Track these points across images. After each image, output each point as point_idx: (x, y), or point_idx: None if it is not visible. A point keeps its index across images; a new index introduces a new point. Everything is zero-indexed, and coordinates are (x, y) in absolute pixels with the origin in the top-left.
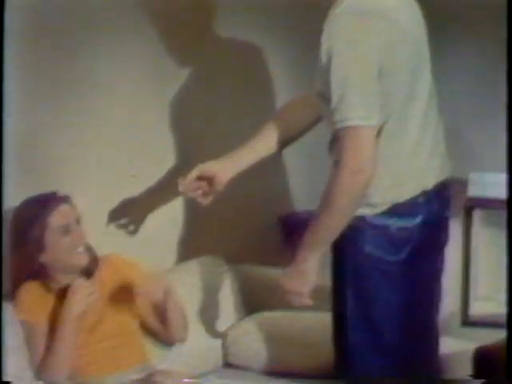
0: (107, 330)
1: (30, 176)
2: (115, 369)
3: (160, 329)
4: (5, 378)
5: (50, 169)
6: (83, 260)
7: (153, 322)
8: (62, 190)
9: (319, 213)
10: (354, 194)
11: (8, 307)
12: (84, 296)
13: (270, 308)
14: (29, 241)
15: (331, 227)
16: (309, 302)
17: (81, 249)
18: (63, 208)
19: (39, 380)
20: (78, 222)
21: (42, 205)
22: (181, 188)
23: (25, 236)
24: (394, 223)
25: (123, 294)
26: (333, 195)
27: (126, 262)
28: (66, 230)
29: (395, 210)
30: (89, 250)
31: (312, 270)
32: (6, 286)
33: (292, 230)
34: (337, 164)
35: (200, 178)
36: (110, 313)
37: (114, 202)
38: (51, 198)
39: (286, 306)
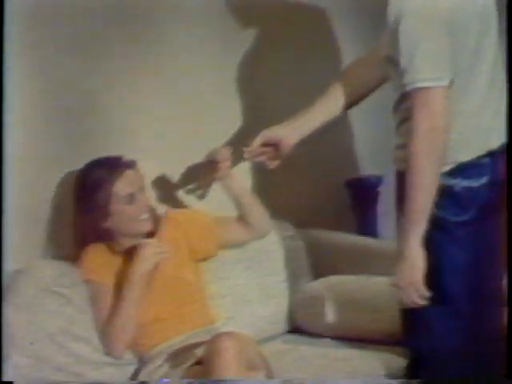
0: (173, 290)
1: (92, 142)
2: (180, 330)
3: (243, 232)
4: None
5: (112, 136)
6: (147, 226)
7: (234, 231)
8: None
9: (407, 188)
10: (432, 153)
11: (73, 269)
12: (151, 255)
13: (338, 272)
14: (94, 207)
15: (422, 197)
16: (425, 292)
17: (145, 216)
18: (129, 174)
19: (104, 339)
20: (142, 188)
21: (108, 170)
22: (246, 155)
23: (90, 202)
24: (459, 183)
25: (188, 251)
26: (413, 159)
27: (187, 215)
28: (130, 199)
29: (460, 170)
30: (152, 212)
31: (417, 256)
32: (70, 247)
33: (359, 195)
34: (406, 125)
35: (265, 144)
36: (175, 272)
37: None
38: (117, 162)
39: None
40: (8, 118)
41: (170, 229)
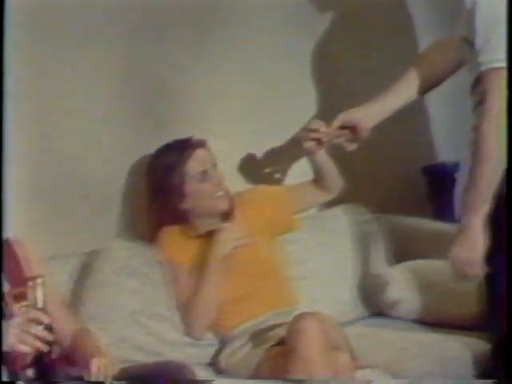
0: (251, 271)
1: (166, 127)
2: (261, 311)
3: (319, 195)
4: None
5: (183, 118)
6: (224, 204)
7: (310, 195)
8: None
9: (473, 167)
10: (501, 134)
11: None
12: (229, 240)
13: (415, 257)
14: (169, 190)
15: (488, 176)
16: (481, 270)
17: (220, 192)
18: (200, 153)
19: (185, 320)
20: (214, 166)
21: (178, 151)
22: (324, 136)
23: (164, 185)
24: None
25: (264, 229)
26: (482, 140)
27: (260, 192)
28: (204, 177)
29: None
30: (227, 193)
31: (479, 234)
32: (145, 230)
33: (435, 181)
34: (480, 108)
35: (343, 127)
36: (253, 253)
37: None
38: (187, 143)
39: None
40: (85, 106)
41: (245, 208)
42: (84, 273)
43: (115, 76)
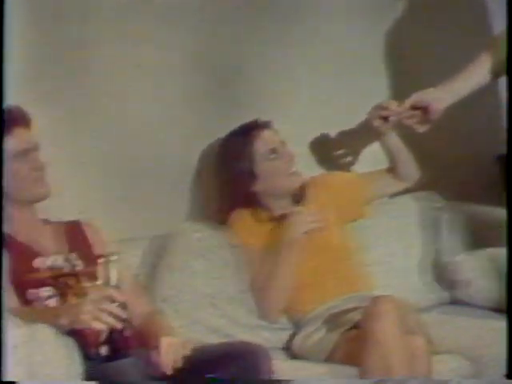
0: (325, 255)
1: (240, 109)
2: (335, 294)
3: (394, 184)
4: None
5: (252, 100)
6: (297, 181)
7: (385, 184)
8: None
9: None
10: None
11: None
12: (303, 223)
13: (490, 246)
14: (239, 172)
15: None
16: None
17: (293, 169)
18: (266, 133)
19: (259, 304)
20: (283, 145)
21: (245, 134)
22: (395, 115)
23: (234, 167)
24: None
25: (336, 214)
26: None
27: (335, 177)
28: (274, 155)
29: None
30: (299, 173)
31: None
32: (217, 213)
33: (510, 170)
34: None
35: (415, 107)
36: (326, 237)
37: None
38: (253, 125)
39: None
40: (164, 88)
41: (318, 193)
42: (156, 255)
43: (194, 60)
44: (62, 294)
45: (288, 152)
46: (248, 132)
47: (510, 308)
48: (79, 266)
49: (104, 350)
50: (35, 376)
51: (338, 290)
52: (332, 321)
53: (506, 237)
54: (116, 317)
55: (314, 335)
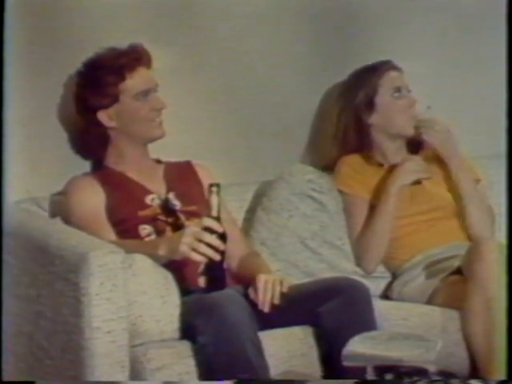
0: (428, 205)
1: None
2: (435, 243)
3: None
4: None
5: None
6: (410, 128)
7: None
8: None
9: None
10: None
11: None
12: (412, 171)
13: None
14: (360, 99)
15: None
16: None
17: (413, 114)
18: (393, 74)
19: (358, 252)
20: (408, 90)
21: (374, 68)
22: None
23: (357, 94)
24: None
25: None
26: None
27: None
28: (397, 94)
29: None
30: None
31: None
32: (327, 158)
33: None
34: None
35: None
36: (433, 188)
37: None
38: (384, 64)
39: None
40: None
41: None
42: (257, 200)
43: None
44: (161, 232)
45: (411, 97)
46: (377, 66)
47: (510, 308)
48: (188, 206)
49: (202, 282)
50: (132, 303)
51: (438, 239)
52: (431, 267)
53: (505, 235)
54: (214, 248)
55: (413, 281)
